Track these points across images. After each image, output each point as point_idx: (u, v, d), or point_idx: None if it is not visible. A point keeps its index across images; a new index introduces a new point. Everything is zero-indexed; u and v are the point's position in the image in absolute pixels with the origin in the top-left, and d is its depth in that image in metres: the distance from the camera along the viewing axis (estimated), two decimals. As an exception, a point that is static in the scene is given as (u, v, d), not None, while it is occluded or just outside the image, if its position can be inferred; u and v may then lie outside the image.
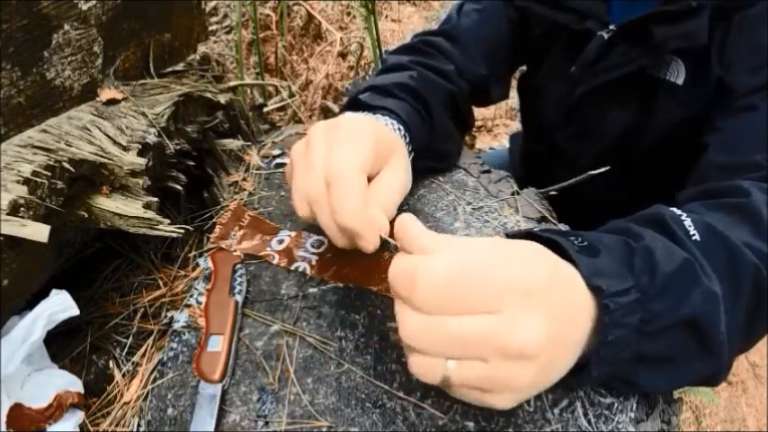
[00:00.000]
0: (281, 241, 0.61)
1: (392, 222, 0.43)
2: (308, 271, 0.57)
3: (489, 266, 0.37)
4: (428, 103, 0.66)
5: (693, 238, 0.47)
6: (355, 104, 0.63)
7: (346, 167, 0.47)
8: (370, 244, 0.47)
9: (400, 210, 0.52)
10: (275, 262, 0.59)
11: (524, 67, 0.95)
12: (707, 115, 0.66)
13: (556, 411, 0.46)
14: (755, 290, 0.47)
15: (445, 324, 0.36)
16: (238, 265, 0.57)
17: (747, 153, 0.59)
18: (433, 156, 0.67)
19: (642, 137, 0.74)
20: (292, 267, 0.58)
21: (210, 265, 0.57)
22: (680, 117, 0.70)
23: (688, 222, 0.48)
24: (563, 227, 0.64)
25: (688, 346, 0.44)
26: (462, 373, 0.37)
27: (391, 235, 0.44)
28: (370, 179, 0.50)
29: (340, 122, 0.52)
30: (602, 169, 0.68)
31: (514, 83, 0.95)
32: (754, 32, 0.62)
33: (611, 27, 0.70)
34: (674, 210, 0.50)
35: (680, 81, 0.67)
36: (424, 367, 0.37)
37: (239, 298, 0.54)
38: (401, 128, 0.59)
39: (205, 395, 0.47)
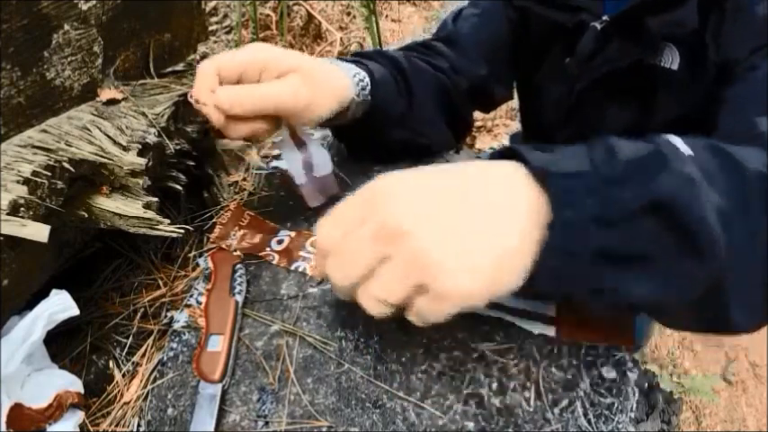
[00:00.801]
0: (280, 241, 0.61)
1: None
2: (308, 271, 0.57)
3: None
4: (407, 76, 0.68)
5: (686, 153, 0.41)
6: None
7: (204, 63, 0.54)
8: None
9: None
10: (275, 262, 0.59)
11: (523, 72, 0.95)
12: (708, 99, 0.66)
13: (556, 411, 0.46)
14: None
15: (335, 253, 0.40)
16: (238, 265, 0.57)
17: (752, 115, 0.57)
18: (411, 128, 0.69)
19: (644, 130, 0.74)
20: (292, 267, 0.58)
21: (210, 265, 0.57)
22: (678, 105, 0.70)
23: (679, 142, 0.43)
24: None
25: (665, 236, 0.37)
26: (383, 284, 0.38)
27: None
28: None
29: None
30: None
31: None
32: (748, 11, 0.63)
33: (605, 18, 0.70)
34: (666, 135, 0.45)
35: (675, 66, 0.67)
36: (364, 303, 0.40)
37: (239, 298, 0.54)
38: (363, 77, 0.62)
39: (205, 395, 0.47)
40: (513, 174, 0.39)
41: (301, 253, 0.59)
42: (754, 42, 0.61)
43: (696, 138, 0.44)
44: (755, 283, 0.41)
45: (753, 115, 0.57)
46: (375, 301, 0.39)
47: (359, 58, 0.67)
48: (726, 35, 0.63)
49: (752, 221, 0.40)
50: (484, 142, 2.02)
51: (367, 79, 0.62)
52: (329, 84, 0.58)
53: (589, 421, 0.46)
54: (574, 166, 0.38)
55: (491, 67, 0.82)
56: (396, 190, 0.39)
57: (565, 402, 0.47)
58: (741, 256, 0.39)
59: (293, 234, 0.61)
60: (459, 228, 0.37)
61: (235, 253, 0.59)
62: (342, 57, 0.68)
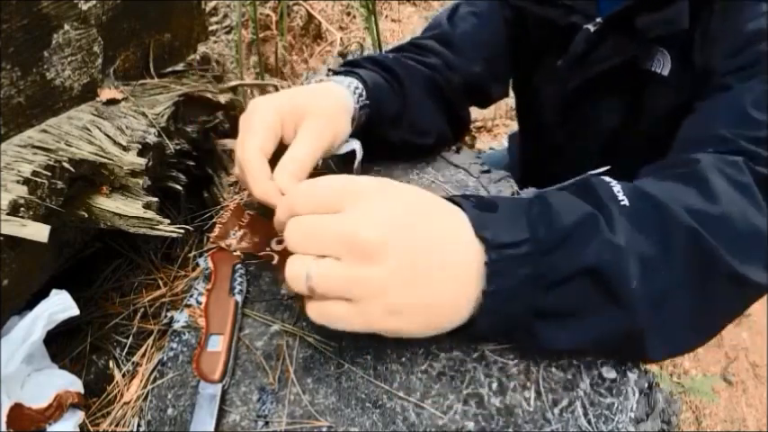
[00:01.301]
0: (280, 241, 0.61)
1: None
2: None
3: (359, 184, 0.42)
4: (398, 76, 0.69)
5: (621, 203, 0.46)
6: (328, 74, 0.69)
7: (247, 152, 0.54)
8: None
9: None
10: (275, 262, 0.59)
11: (519, 73, 0.95)
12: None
13: (556, 411, 0.46)
14: (695, 252, 0.45)
15: (304, 220, 0.42)
16: (238, 265, 0.57)
17: (715, 128, 0.58)
18: (408, 128, 0.69)
19: (633, 131, 0.75)
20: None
21: (210, 264, 0.57)
22: (668, 108, 0.70)
23: (617, 188, 0.47)
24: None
25: (590, 297, 0.43)
26: (320, 268, 0.40)
27: None
28: (286, 144, 0.56)
29: (250, 108, 0.57)
30: (602, 169, 0.69)
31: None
32: (736, 18, 0.63)
33: (598, 20, 0.71)
34: (605, 178, 0.50)
35: (666, 72, 0.68)
36: (292, 266, 0.42)
37: (239, 298, 0.54)
38: (357, 85, 0.63)
39: (205, 395, 0.47)
40: (458, 232, 0.42)
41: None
42: (733, 62, 0.61)
43: (628, 183, 0.49)
44: (678, 326, 0.46)
45: (716, 129, 0.58)
46: (302, 276, 0.41)
47: (348, 67, 0.67)
48: (712, 34, 0.64)
49: (676, 273, 0.45)
50: (484, 142, 2.02)
51: (361, 86, 0.63)
52: (337, 106, 0.59)
53: (589, 421, 0.46)
54: (513, 234, 0.42)
55: (488, 66, 0.82)
56: (375, 202, 0.41)
57: (565, 402, 0.47)
58: (663, 301, 0.44)
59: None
60: (416, 268, 0.40)
61: (234, 253, 0.59)
62: (331, 69, 0.69)
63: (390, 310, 0.40)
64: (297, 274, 0.41)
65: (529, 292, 0.41)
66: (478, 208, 0.43)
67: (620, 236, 0.43)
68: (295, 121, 0.56)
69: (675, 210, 0.46)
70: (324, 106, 0.58)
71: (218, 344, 0.49)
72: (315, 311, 0.42)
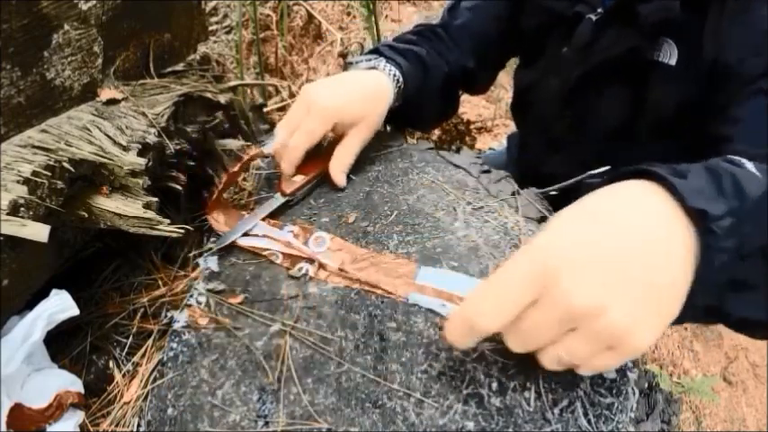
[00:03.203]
0: (290, 231, 0.62)
1: None
2: (311, 273, 0.57)
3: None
4: (430, 75, 0.78)
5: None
6: (375, 51, 0.77)
7: (294, 149, 0.65)
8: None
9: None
10: (279, 261, 0.59)
11: (520, 63, 0.96)
12: (703, 99, 0.66)
13: (556, 411, 0.46)
14: None
15: (520, 326, 0.41)
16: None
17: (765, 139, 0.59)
18: (414, 115, 0.80)
19: (638, 121, 0.75)
20: (296, 269, 0.57)
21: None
22: (675, 99, 0.70)
23: (749, 165, 0.48)
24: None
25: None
26: (565, 349, 0.40)
27: None
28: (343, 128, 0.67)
29: (310, 97, 0.66)
30: (602, 169, 0.68)
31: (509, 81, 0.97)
32: (754, 12, 0.62)
33: (599, 10, 0.72)
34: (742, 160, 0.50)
35: (672, 62, 0.68)
36: (543, 360, 0.42)
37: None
38: (401, 82, 0.72)
39: (273, 200, 0.64)
40: (667, 212, 0.41)
41: (305, 251, 0.59)
42: (761, 59, 0.61)
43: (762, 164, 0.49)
44: None
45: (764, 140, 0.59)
46: (556, 361, 0.41)
47: (395, 54, 0.74)
48: (725, 27, 0.63)
49: None
50: (484, 142, 2.02)
51: (402, 82, 0.72)
52: (382, 111, 0.70)
53: (589, 421, 0.46)
54: (716, 206, 0.41)
55: (479, 60, 0.88)
56: (566, 262, 0.39)
57: (565, 402, 0.47)
58: None
59: (296, 229, 0.61)
60: (637, 288, 0.39)
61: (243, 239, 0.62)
62: (382, 44, 0.79)
63: (643, 337, 0.39)
64: (551, 363, 0.42)
65: (731, 263, 0.41)
66: (676, 175, 0.43)
67: None
68: (345, 128, 0.66)
69: None
70: (374, 117, 0.68)
71: (299, 179, 0.66)
72: (586, 370, 0.42)
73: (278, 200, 0.64)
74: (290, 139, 0.65)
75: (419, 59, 0.78)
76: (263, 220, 0.62)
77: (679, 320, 0.44)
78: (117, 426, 0.50)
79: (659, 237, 0.40)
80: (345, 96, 0.67)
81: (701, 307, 0.43)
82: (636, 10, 0.66)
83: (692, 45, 0.66)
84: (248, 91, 1.55)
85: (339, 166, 0.66)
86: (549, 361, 0.42)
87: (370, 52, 0.77)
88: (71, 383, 0.50)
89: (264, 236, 0.61)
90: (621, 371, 0.48)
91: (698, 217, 0.40)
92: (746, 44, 0.62)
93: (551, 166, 0.85)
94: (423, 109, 0.81)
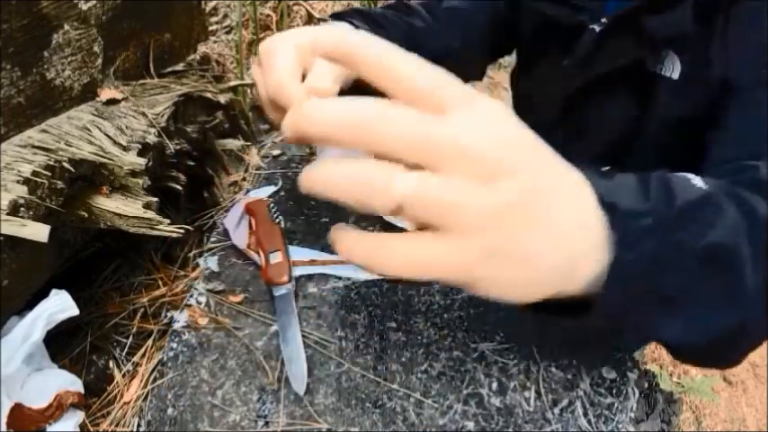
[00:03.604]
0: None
1: None
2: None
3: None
4: (385, 30, 0.70)
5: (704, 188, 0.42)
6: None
7: (281, 76, 0.49)
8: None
9: None
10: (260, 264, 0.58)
11: (517, 66, 0.96)
12: (708, 113, 0.65)
13: (556, 411, 0.46)
14: None
15: (399, 115, 0.29)
16: (271, 204, 0.62)
17: (755, 150, 0.56)
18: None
19: (639, 135, 0.74)
20: (275, 292, 0.57)
21: (246, 212, 0.62)
22: (677, 114, 0.69)
23: (696, 180, 0.43)
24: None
25: (709, 285, 0.39)
26: (420, 179, 0.28)
27: None
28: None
29: (266, 46, 0.53)
30: (603, 169, 0.68)
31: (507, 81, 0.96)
32: (758, 24, 0.62)
33: (603, 20, 0.70)
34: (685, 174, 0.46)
35: (675, 76, 0.67)
36: (377, 171, 0.29)
37: (281, 222, 0.61)
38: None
39: (281, 297, 0.55)
40: (583, 191, 0.36)
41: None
42: (762, 72, 0.59)
43: (711, 180, 0.45)
44: (760, 331, 0.44)
45: (753, 156, 0.56)
46: (391, 185, 0.28)
47: (336, 17, 0.67)
48: (732, 42, 0.62)
49: (762, 268, 0.41)
50: (484, 142, 2.01)
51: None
52: None
53: (589, 421, 0.46)
54: (636, 204, 0.38)
55: (464, 47, 0.82)
56: (488, 113, 0.30)
57: (565, 402, 0.47)
58: (752, 300, 0.41)
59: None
60: (538, 204, 0.31)
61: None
62: (321, 19, 0.71)
63: (491, 252, 0.30)
64: (384, 181, 0.28)
65: (652, 270, 0.37)
66: (598, 174, 0.39)
67: (740, 218, 0.40)
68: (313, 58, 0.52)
69: (756, 205, 0.43)
70: None
71: (278, 257, 0.58)
72: (396, 253, 0.30)
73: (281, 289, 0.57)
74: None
75: (365, 17, 0.70)
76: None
77: (588, 321, 0.38)
78: (117, 426, 0.50)
79: (584, 198, 0.35)
80: (302, 31, 0.55)
81: (619, 315, 0.38)
82: (642, 21, 0.64)
83: (695, 59, 0.65)
84: (248, 91, 1.55)
85: (314, 79, 0.50)
86: (383, 174, 0.28)
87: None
88: (71, 383, 0.50)
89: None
90: (621, 371, 0.48)
91: (609, 211, 0.36)
92: (751, 56, 0.62)
93: None
94: None
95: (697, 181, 0.44)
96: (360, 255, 0.30)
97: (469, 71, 0.88)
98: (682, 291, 0.39)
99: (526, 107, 0.96)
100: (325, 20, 0.68)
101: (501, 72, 2.04)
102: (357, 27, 0.64)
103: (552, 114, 0.84)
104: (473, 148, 0.29)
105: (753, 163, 0.55)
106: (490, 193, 0.29)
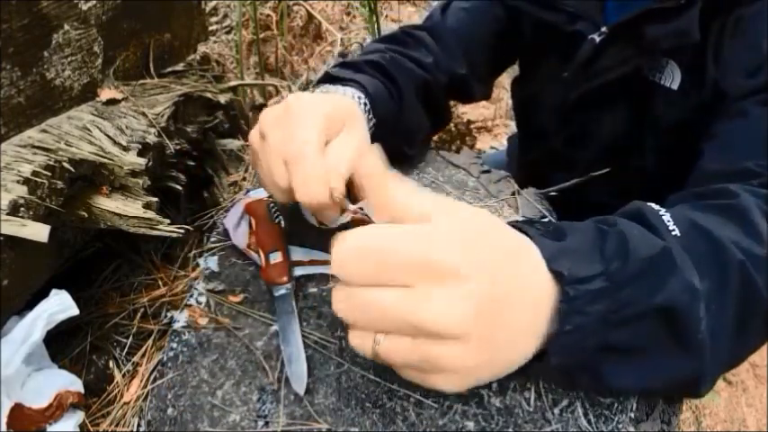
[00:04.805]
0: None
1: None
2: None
3: (406, 237, 0.35)
4: (396, 81, 0.67)
5: (673, 233, 0.44)
6: (326, 78, 0.65)
7: (306, 148, 0.48)
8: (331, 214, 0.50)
9: None
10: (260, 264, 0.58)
11: (518, 72, 0.95)
12: (703, 119, 0.65)
13: (556, 411, 0.46)
14: (743, 289, 0.44)
15: (357, 294, 0.35)
16: (271, 204, 0.61)
17: (739, 160, 0.56)
18: (402, 134, 0.68)
19: (638, 141, 0.73)
20: (275, 292, 0.57)
21: (246, 211, 0.61)
22: (675, 120, 0.69)
23: (667, 218, 0.46)
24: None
25: (661, 338, 0.41)
26: (389, 349, 0.35)
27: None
28: None
29: (289, 105, 0.51)
30: (603, 171, 0.68)
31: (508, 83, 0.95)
32: (752, 33, 0.61)
33: (603, 30, 0.68)
34: (653, 205, 0.48)
35: (675, 86, 0.66)
36: (356, 339, 0.37)
37: (281, 222, 0.60)
38: (364, 99, 0.60)
39: (281, 296, 0.55)
40: (532, 265, 0.38)
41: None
42: (750, 83, 0.59)
43: (677, 212, 0.47)
44: (720, 362, 0.45)
45: (740, 161, 0.56)
46: (366, 349, 0.37)
47: (348, 73, 0.64)
48: (726, 48, 0.61)
49: (728, 310, 0.44)
50: (484, 142, 2.02)
51: (366, 100, 0.61)
52: (356, 118, 0.56)
53: (589, 421, 0.46)
54: (587, 268, 0.39)
55: (470, 66, 0.82)
56: (450, 283, 0.34)
57: (565, 402, 0.47)
58: (716, 340, 0.43)
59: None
60: (504, 338, 0.36)
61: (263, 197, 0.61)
62: (329, 75, 0.65)
63: (466, 383, 0.37)
64: (363, 348, 0.37)
65: (601, 328, 0.39)
66: (549, 237, 0.40)
67: (695, 277, 0.41)
68: (339, 123, 0.52)
69: (727, 244, 0.44)
70: (356, 113, 0.55)
71: (278, 257, 0.57)
72: (400, 373, 0.39)
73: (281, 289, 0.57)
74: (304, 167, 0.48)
75: (377, 68, 0.68)
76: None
77: (538, 371, 0.43)
78: (117, 426, 0.50)
79: (526, 283, 0.37)
80: (324, 98, 0.55)
81: (561, 365, 0.40)
82: (643, 30, 0.63)
83: (695, 68, 0.64)
84: (248, 91, 1.55)
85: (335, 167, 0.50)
86: (358, 342, 0.37)
87: (321, 81, 0.65)
88: (71, 383, 0.50)
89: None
90: (621, 371, 0.48)
91: (556, 279, 0.38)
92: (742, 63, 0.61)
93: (551, 174, 0.84)
94: (401, 122, 0.68)
95: (667, 220, 0.45)
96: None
97: (477, 91, 0.87)
98: (633, 344, 0.41)
99: (527, 115, 0.96)
100: (337, 76, 0.63)
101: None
102: (370, 94, 0.61)
103: (552, 121, 0.84)
104: (429, 316, 0.33)
105: (743, 164, 0.55)
106: (452, 348, 0.34)
